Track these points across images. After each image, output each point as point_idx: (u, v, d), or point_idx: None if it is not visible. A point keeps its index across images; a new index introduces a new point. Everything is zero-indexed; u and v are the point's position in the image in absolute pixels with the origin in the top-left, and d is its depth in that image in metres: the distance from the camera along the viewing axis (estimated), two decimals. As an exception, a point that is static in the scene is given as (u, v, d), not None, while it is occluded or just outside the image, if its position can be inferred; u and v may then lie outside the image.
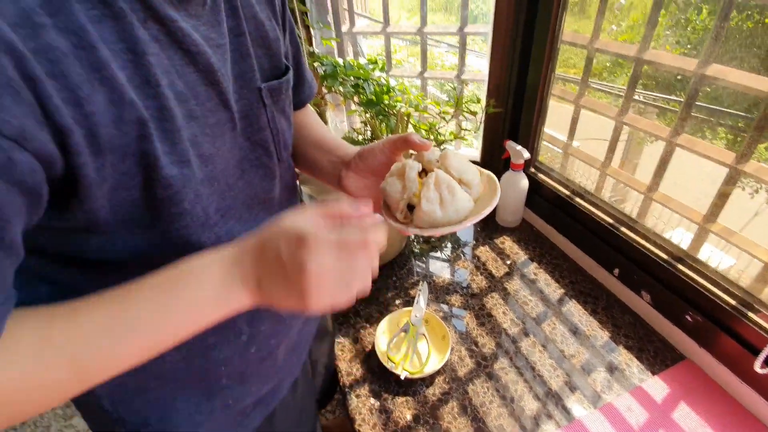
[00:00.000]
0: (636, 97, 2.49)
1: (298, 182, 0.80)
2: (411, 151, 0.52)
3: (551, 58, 0.99)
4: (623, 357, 0.83)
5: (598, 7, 0.86)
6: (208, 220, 0.41)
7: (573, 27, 0.95)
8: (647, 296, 0.88)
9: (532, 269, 1.05)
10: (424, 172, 0.50)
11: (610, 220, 0.96)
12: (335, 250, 0.34)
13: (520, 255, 1.10)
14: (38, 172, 0.27)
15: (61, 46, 0.26)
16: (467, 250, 1.14)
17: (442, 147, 1.25)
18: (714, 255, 0.82)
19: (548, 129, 1.13)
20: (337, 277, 0.34)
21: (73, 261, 0.38)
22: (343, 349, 0.88)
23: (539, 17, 0.97)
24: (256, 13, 0.45)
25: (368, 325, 0.92)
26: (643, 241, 0.89)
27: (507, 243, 1.15)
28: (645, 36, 0.80)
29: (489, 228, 1.20)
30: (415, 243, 1.18)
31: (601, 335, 0.87)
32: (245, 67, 0.44)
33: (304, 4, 1.23)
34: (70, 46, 0.27)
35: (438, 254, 1.14)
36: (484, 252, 1.12)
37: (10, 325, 0.29)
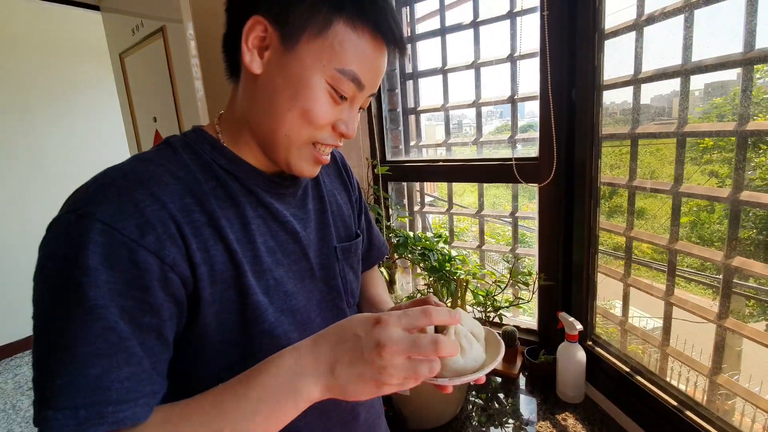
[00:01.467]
0: (691, 276, 2.44)
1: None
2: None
3: (591, 242, 1.14)
4: None
5: (627, 207, 1.04)
6: (291, 344, 0.50)
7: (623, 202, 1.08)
8: (734, 500, 0.78)
9: (600, 454, 0.98)
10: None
11: (676, 404, 0.92)
12: (405, 325, 0.40)
13: (585, 436, 1.04)
14: (182, 289, 0.42)
15: (200, 219, 0.45)
16: (530, 429, 1.09)
17: (498, 312, 1.34)
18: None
19: (613, 301, 1.19)
20: (406, 352, 0.38)
21: (186, 375, 0.49)
22: None
23: (575, 211, 1.16)
24: (337, 200, 0.69)
25: (420, 493, 0.89)
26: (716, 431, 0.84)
27: (570, 421, 1.10)
28: (672, 229, 0.93)
29: (549, 402, 1.17)
30: (473, 413, 1.17)
31: None
32: (326, 232, 0.63)
33: (387, 192, 1.59)
34: (205, 219, 0.46)
35: (498, 430, 1.10)
36: (546, 429, 1.08)
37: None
